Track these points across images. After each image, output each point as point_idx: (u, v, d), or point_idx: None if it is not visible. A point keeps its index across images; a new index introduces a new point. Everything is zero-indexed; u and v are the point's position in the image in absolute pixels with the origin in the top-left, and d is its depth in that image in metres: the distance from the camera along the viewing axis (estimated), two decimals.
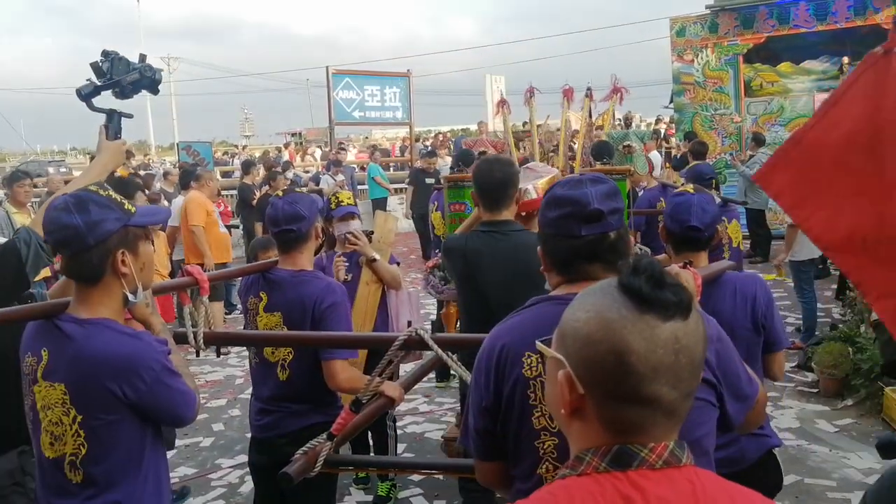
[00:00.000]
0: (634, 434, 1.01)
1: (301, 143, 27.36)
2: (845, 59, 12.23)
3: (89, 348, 1.84)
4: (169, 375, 1.89)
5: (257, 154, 23.17)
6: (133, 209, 1.96)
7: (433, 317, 6.88)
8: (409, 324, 3.52)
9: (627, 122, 13.49)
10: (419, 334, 2.19)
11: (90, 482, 1.88)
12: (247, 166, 11.20)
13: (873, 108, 1.07)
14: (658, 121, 18.08)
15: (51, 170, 21.63)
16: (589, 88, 5.10)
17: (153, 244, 2.19)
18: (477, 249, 3.13)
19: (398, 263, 4.30)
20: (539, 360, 1.59)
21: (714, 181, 5.33)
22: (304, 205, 2.90)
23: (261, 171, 12.96)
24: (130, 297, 1.94)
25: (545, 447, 1.59)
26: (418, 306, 4.36)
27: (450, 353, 2.23)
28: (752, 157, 10.22)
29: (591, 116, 5.19)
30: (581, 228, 1.64)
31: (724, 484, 1.05)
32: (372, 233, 4.14)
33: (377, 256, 3.90)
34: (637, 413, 1.01)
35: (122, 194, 1.99)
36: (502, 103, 4.90)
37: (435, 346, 2.17)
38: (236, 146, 34.63)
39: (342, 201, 4.06)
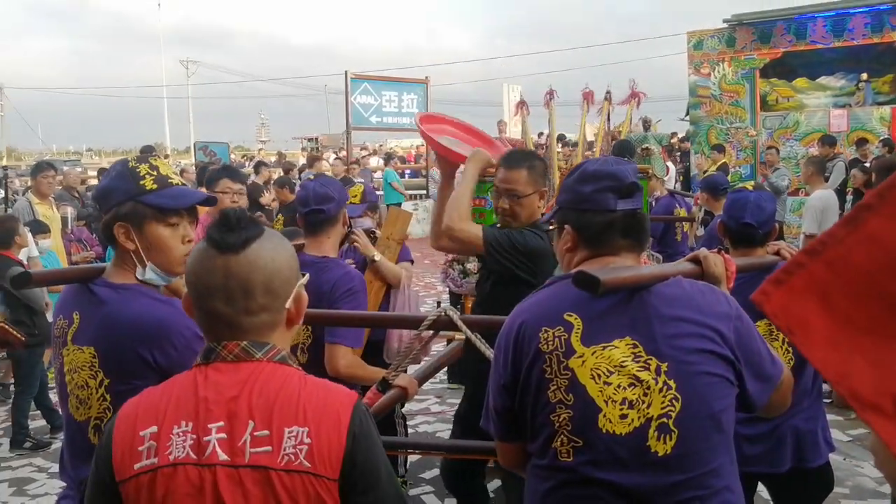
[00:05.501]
0: (213, 338, 1.34)
1: (317, 149, 27.41)
2: (864, 76, 12.24)
3: (122, 312, 1.84)
4: (199, 342, 1.82)
5: (272, 159, 23.24)
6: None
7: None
8: None
9: (646, 125, 13.44)
10: (448, 315, 2.24)
11: None
12: (258, 167, 11.49)
13: None
14: (673, 135, 18.04)
15: (65, 168, 21.61)
16: (608, 92, 5.15)
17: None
18: None
19: (411, 261, 4.18)
20: (555, 334, 1.62)
21: (727, 191, 5.35)
22: (335, 188, 2.95)
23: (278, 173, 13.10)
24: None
25: (560, 420, 1.61)
26: (417, 305, 4.27)
27: (478, 336, 2.27)
28: (776, 170, 10.18)
29: (609, 120, 5.24)
30: (617, 202, 1.68)
31: (289, 376, 1.35)
32: (373, 232, 3.97)
33: (376, 257, 3.70)
34: (207, 321, 1.34)
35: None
36: (521, 104, 4.97)
37: (464, 327, 2.21)
38: (256, 150, 34.71)
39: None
